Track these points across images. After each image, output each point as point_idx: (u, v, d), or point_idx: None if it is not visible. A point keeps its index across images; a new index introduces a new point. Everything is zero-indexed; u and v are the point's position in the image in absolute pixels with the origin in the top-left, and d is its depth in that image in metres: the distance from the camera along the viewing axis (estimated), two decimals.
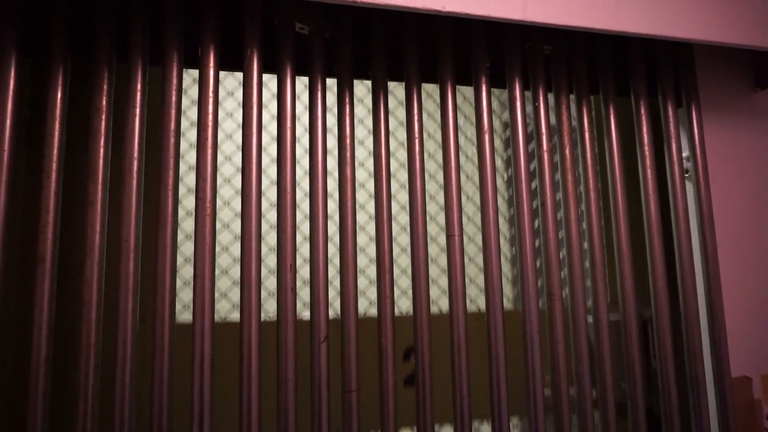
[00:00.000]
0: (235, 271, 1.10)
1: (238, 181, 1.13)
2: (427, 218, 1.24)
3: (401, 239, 1.21)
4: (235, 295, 1.09)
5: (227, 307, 1.08)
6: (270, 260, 1.11)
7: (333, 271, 1.14)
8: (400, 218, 1.22)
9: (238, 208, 1.12)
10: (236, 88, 1.16)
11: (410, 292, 1.16)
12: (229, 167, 1.13)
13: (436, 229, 1.24)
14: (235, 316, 1.08)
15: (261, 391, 1.01)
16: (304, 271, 1.13)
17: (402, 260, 1.20)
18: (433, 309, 1.19)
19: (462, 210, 1.11)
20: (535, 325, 0.98)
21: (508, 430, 0.95)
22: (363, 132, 1.22)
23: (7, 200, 0.80)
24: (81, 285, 0.83)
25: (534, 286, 1.00)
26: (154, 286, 0.84)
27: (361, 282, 1.16)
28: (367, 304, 1.15)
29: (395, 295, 1.18)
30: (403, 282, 1.19)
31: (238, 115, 1.15)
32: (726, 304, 1.14)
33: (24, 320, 0.89)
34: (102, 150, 0.86)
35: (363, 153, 1.21)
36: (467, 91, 1.30)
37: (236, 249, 1.11)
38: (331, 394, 1.04)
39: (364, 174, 1.20)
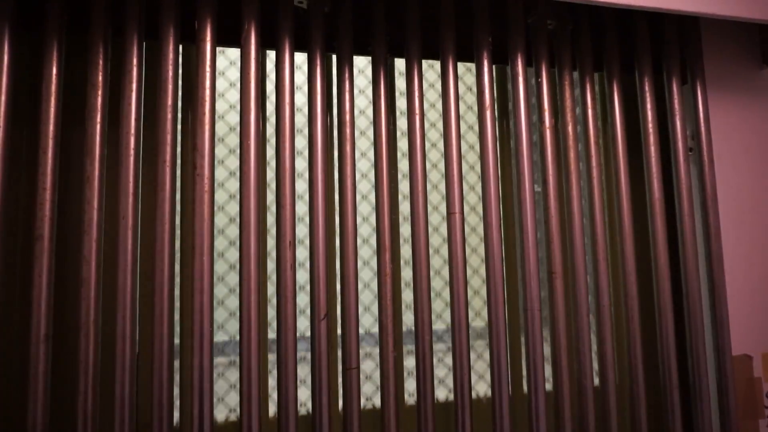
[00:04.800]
0: (233, 254, 1.10)
1: (231, 162, 1.11)
2: (428, 199, 1.23)
3: (403, 214, 1.20)
4: (233, 278, 1.09)
5: (224, 291, 1.08)
6: (269, 241, 1.11)
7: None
8: (402, 206, 1.21)
9: (234, 189, 1.11)
10: (227, 68, 1.13)
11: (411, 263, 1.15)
12: (222, 148, 1.11)
13: (435, 204, 1.23)
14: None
15: (261, 369, 1.01)
16: (302, 255, 1.13)
17: (404, 251, 1.20)
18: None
19: (462, 186, 1.10)
20: (536, 302, 0.98)
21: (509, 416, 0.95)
22: (364, 106, 1.20)
23: (4, 177, 0.80)
24: (79, 263, 0.82)
25: (535, 264, 1.00)
26: (152, 264, 0.84)
27: (364, 249, 1.16)
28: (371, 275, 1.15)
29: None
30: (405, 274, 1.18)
31: (229, 96, 1.12)
32: (728, 282, 1.14)
33: (23, 298, 0.89)
34: (99, 126, 0.85)
35: (363, 126, 1.19)
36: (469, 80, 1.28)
37: (234, 230, 1.10)
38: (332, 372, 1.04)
39: (364, 149, 1.19)
